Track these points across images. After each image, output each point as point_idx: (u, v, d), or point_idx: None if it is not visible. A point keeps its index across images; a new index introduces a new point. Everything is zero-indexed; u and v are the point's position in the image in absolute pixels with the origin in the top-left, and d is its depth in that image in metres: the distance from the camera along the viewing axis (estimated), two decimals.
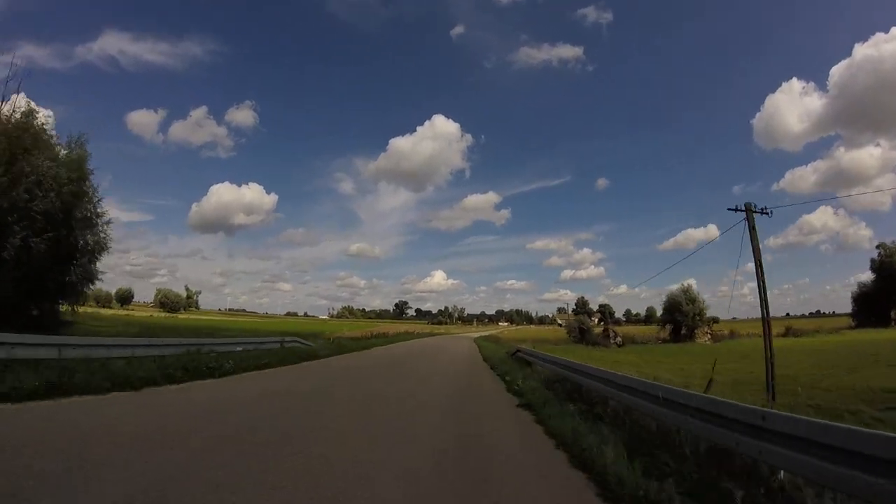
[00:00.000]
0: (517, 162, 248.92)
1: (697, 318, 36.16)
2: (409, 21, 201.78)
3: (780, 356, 15.22)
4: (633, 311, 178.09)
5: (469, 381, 14.66)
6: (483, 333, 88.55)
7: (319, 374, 14.41)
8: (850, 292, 52.39)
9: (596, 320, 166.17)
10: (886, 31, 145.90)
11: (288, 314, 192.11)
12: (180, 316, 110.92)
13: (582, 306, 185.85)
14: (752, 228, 14.19)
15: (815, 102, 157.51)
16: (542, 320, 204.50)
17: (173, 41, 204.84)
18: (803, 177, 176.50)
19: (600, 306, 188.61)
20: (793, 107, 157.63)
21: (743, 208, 14.40)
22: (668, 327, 37.76)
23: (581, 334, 37.13)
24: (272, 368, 14.39)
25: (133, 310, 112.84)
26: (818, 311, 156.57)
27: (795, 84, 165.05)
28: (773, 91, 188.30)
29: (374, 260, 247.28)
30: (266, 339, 20.83)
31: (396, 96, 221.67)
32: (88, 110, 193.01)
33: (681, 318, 35.74)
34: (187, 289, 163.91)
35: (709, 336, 36.26)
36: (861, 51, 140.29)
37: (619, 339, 33.59)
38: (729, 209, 15.10)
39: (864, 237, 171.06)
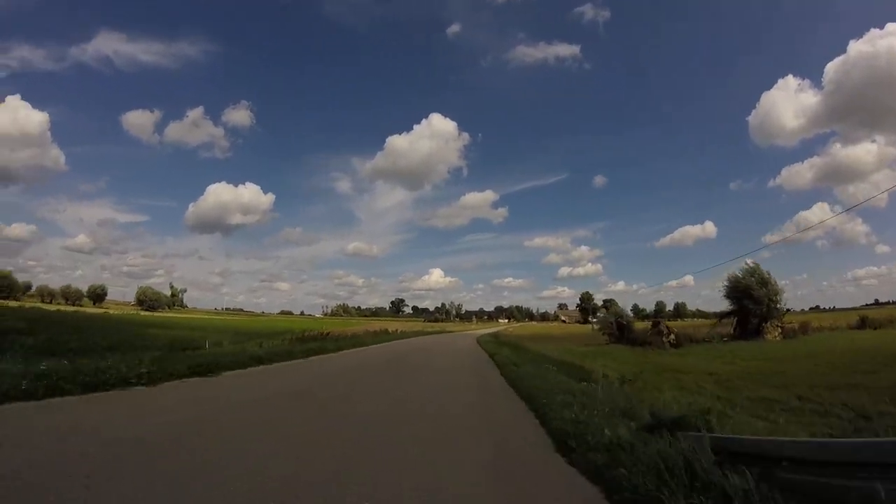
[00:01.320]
0: (514, 160, 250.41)
1: (772, 306, 27.76)
2: (404, 20, 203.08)
3: None
4: (641, 307, 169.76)
5: None
6: (486, 330, 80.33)
7: None
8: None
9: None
10: (881, 27, 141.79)
11: (282, 313, 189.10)
12: (157, 314, 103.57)
13: (587, 301, 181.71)
14: None
15: (810, 99, 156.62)
16: (544, 316, 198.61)
17: (168, 41, 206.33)
18: (799, 173, 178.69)
19: (604, 301, 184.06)
20: (788, 103, 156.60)
21: None
22: (733, 320, 29.30)
23: (620, 332, 28.91)
24: None
25: (108, 308, 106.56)
26: (818, 307, 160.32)
27: (791, 81, 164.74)
28: (769, 88, 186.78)
29: (372, 259, 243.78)
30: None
31: (393, 95, 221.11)
32: (84, 111, 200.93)
33: (754, 306, 27.25)
34: (172, 287, 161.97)
35: (779, 330, 28.01)
36: (856, 47, 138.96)
37: (672, 336, 25.37)
38: None
39: (861, 233, 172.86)
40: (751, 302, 27.89)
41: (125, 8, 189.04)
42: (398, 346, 25.79)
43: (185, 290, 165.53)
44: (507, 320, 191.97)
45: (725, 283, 29.95)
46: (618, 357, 20.37)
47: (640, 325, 35.25)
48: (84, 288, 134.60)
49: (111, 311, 76.52)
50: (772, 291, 28.72)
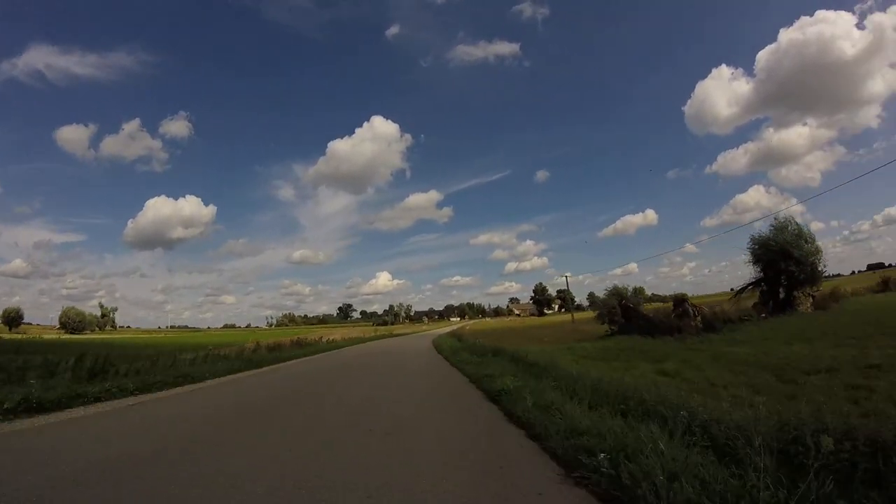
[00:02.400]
0: (457, 159, 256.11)
1: (814, 268, 21.78)
2: (345, 23, 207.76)
3: None
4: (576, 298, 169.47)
5: None
6: (441, 331, 73.19)
7: None
8: None
9: (556, 307, 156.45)
10: (811, 14, 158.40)
11: (226, 326, 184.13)
12: (78, 336, 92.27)
13: (541, 292, 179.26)
14: None
15: (743, 87, 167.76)
16: (497, 312, 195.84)
17: (102, 52, 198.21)
18: (735, 158, 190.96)
19: (558, 292, 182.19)
20: (722, 92, 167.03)
21: None
22: (754, 291, 23.26)
23: (627, 318, 22.11)
24: None
25: (24, 332, 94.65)
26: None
27: (724, 70, 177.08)
28: (703, 78, 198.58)
29: (318, 265, 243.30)
30: None
31: (334, 99, 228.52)
32: (15, 128, 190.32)
33: (794, 267, 20.93)
34: (102, 306, 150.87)
35: (811, 300, 22.27)
36: (786, 35, 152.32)
37: (699, 318, 19.26)
38: None
39: (796, 212, 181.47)
40: (792, 264, 21.94)
41: (58, 19, 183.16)
42: (334, 358, 18.72)
43: (116, 310, 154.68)
44: (458, 318, 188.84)
45: (751, 247, 23.98)
46: (659, 354, 13.51)
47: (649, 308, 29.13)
48: None
49: (21, 336, 66.29)
50: (813, 250, 23.02)
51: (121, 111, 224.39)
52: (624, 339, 19.03)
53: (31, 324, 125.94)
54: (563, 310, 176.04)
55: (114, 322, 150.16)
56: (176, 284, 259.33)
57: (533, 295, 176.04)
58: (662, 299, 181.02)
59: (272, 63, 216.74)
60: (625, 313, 23.59)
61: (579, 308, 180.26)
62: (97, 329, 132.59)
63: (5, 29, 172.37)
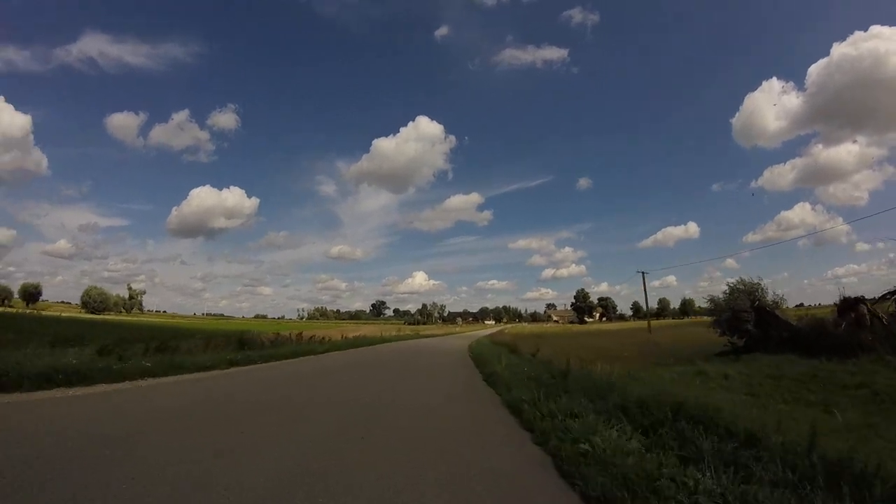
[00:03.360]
0: (500, 163, 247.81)
1: None
2: (394, 21, 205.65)
3: None
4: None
5: None
6: (479, 333, 67.94)
7: None
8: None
9: (598, 315, 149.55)
10: (865, 29, 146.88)
11: (257, 317, 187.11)
12: (98, 317, 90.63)
13: (583, 299, 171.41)
14: None
15: (793, 101, 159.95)
16: (534, 317, 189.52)
17: (155, 43, 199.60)
18: (781, 174, 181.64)
19: (600, 300, 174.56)
20: (772, 105, 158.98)
21: None
22: None
23: (762, 327, 15.55)
24: None
25: (42, 309, 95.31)
26: (801, 304, 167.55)
27: (775, 83, 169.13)
28: (753, 90, 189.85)
29: (356, 262, 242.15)
30: None
31: (380, 97, 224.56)
32: (67, 114, 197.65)
33: None
34: (130, 288, 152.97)
35: None
36: (839, 50, 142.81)
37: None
38: None
39: (842, 232, 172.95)
40: None
41: (111, 8, 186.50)
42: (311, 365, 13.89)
43: (145, 293, 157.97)
44: (493, 322, 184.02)
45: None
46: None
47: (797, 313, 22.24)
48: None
49: (34, 312, 65.45)
50: None
51: (171, 101, 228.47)
52: (777, 361, 13.20)
53: (48, 301, 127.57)
54: (603, 318, 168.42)
55: (141, 305, 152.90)
56: (215, 273, 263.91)
57: (573, 301, 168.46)
58: (706, 312, 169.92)
59: (321, 58, 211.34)
60: (760, 320, 17.07)
61: (622, 318, 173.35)
62: (123, 311, 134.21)
63: (60, 16, 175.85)
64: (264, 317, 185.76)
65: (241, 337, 16.88)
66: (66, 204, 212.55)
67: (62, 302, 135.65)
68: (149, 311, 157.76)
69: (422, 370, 14.29)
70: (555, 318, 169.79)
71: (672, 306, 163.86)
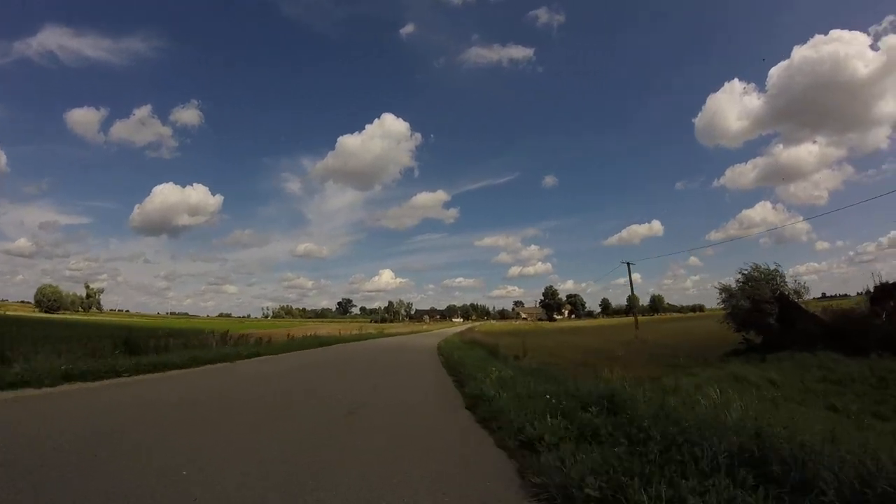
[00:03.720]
0: (466, 160, 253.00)
1: None
2: (360, 20, 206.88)
3: None
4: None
5: None
6: (448, 330, 65.34)
7: None
8: None
9: (566, 313, 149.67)
10: (826, 33, 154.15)
11: (221, 315, 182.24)
12: (54, 316, 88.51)
13: (551, 296, 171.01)
14: None
15: (754, 102, 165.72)
16: (502, 314, 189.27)
17: (117, 37, 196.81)
18: (743, 173, 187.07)
19: (568, 296, 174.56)
20: (733, 106, 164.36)
21: None
22: None
23: (786, 322, 13.12)
24: None
25: None
26: None
27: (736, 84, 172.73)
28: (716, 91, 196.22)
29: (322, 260, 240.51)
30: None
31: (346, 94, 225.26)
32: (26, 109, 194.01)
33: None
34: (87, 287, 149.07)
35: None
36: (800, 52, 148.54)
37: None
38: None
39: (802, 230, 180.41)
40: None
41: (73, 1, 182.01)
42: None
43: (103, 291, 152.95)
44: (461, 319, 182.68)
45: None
46: None
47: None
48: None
49: None
50: None
51: (133, 96, 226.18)
52: (819, 361, 11.00)
53: (7, 301, 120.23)
54: (572, 315, 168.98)
55: (99, 304, 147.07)
56: (179, 272, 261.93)
57: (542, 298, 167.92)
58: (677, 309, 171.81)
59: (285, 56, 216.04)
60: (784, 313, 14.77)
61: (590, 315, 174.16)
62: (80, 310, 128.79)
63: (20, 8, 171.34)
64: (228, 315, 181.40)
65: (129, 337, 13.62)
66: (25, 201, 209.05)
67: (22, 302, 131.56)
68: (110, 310, 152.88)
69: (398, 349, 11.43)
70: (523, 316, 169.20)
71: (641, 303, 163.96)
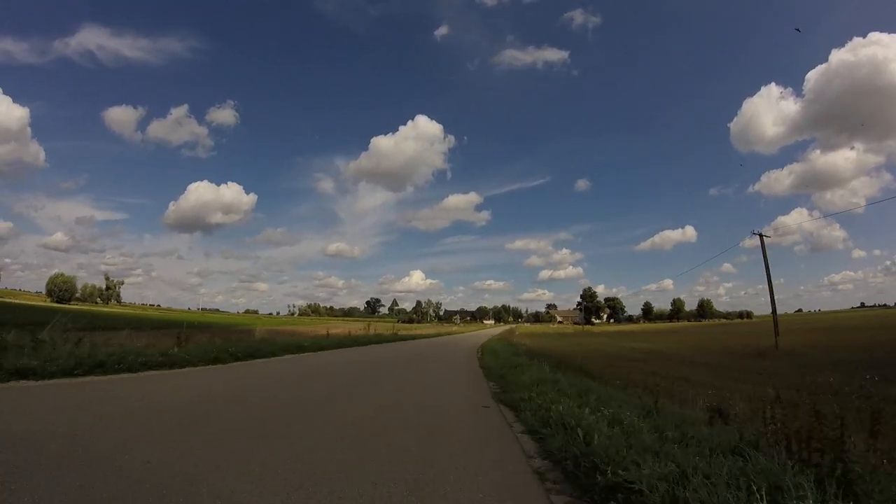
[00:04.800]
0: (499, 163, 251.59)
1: None
2: (394, 20, 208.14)
3: None
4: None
5: None
6: (482, 333, 58.06)
7: None
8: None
9: (605, 317, 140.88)
10: (864, 35, 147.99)
11: (246, 312, 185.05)
12: (66, 306, 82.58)
13: (590, 299, 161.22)
14: None
15: (791, 107, 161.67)
16: (536, 317, 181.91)
17: (154, 37, 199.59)
18: (779, 179, 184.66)
19: (607, 300, 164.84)
20: (769, 111, 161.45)
21: None
22: None
23: None
24: None
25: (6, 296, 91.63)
26: (799, 310, 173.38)
27: (773, 89, 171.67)
28: (751, 95, 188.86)
29: (353, 260, 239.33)
30: None
31: (380, 96, 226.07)
32: (65, 107, 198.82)
33: None
34: (107, 278, 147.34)
35: None
36: (837, 56, 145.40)
37: None
38: None
39: (838, 238, 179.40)
40: None
41: (111, 2, 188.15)
42: None
43: (123, 283, 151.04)
44: (493, 321, 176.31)
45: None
46: None
47: None
48: None
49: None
50: None
51: (170, 96, 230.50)
52: None
53: (16, 289, 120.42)
54: (611, 320, 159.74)
55: (119, 296, 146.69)
56: (211, 268, 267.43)
57: (580, 301, 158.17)
58: (724, 315, 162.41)
59: (320, 56, 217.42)
60: None
61: (630, 319, 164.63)
62: (99, 301, 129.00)
63: (59, 8, 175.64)
64: (255, 312, 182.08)
65: None
66: (63, 197, 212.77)
67: (38, 293, 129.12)
68: (135, 303, 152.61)
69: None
70: (559, 319, 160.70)
71: (687, 308, 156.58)
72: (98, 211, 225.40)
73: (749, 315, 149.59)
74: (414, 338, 42.50)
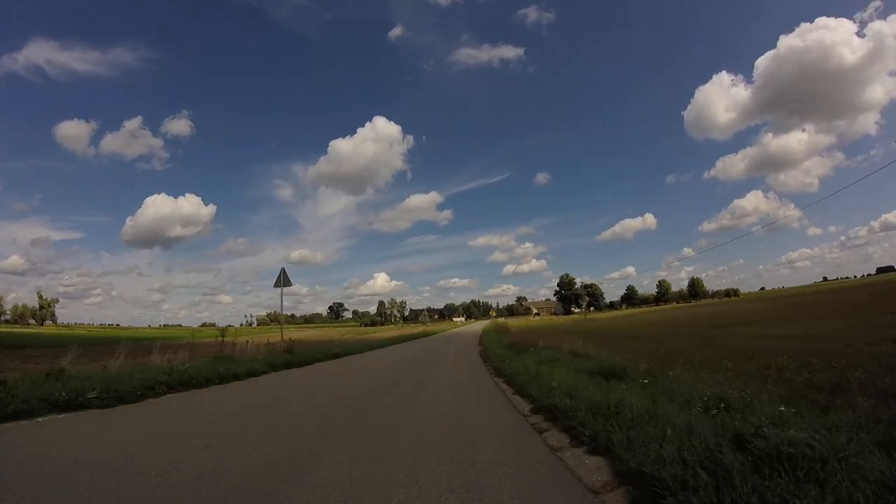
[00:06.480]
0: (459, 161, 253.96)
1: None
2: (348, 24, 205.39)
3: None
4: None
5: None
6: (461, 330, 46.70)
7: None
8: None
9: (584, 304, 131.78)
10: (811, 21, 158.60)
11: (204, 325, 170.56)
12: None
13: (568, 286, 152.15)
14: None
15: (742, 93, 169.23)
16: (511, 310, 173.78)
17: (104, 49, 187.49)
18: (733, 164, 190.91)
19: (585, 286, 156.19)
20: (721, 98, 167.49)
21: None
22: None
23: None
24: None
25: None
26: (763, 288, 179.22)
27: (724, 76, 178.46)
28: (703, 84, 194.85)
29: (317, 266, 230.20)
30: None
31: (337, 99, 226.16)
32: (14, 124, 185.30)
33: None
34: (40, 297, 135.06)
35: None
36: (786, 41, 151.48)
37: None
38: None
39: (794, 217, 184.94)
40: None
41: (59, 14, 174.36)
42: None
43: (57, 301, 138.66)
44: (463, 318, 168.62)
45: None
46: None
47: None
48: None
49: None
50: None
51: (122, 109, 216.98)
52: None
53: None
54: (591, 308, 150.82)
55: (53, 315, 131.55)
56: (173, 283, 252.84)
57: (557, 289, 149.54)
58: (708, 295, 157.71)
59: (274, 62, 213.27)
60: None
61: (611, 307, 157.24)
62: (31, 322, 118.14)
63: (5, 23, 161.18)
64: (213, 325, 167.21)
65: None
66: (17, 218, 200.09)
67: None
68: (91, 324, 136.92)
69: None
70: (535, 311, 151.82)
71: (675, 289, 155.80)
72: (54, 231, 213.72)
73: (736, 293, 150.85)
74: (370, 348, 26.85)
